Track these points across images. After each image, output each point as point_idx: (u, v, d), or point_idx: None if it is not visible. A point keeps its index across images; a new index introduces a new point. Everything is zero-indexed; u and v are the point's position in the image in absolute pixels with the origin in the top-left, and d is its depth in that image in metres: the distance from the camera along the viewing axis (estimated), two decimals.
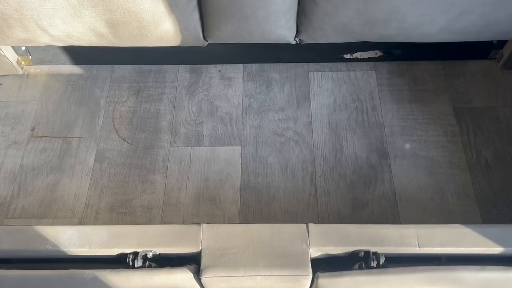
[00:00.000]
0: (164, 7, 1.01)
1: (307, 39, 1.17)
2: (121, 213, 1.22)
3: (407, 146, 1.30)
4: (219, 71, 1.47)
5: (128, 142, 1.33)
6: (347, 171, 1.27)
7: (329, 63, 1.46)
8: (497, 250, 0.78)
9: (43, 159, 1.31)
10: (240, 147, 1.32)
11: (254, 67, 1.46)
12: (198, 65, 1.48)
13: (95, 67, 1.48)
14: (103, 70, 1.48)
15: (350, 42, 1.21)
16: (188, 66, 1.48)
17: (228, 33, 1.08)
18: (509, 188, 1.22)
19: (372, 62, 1.46)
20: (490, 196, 1.21)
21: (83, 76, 1.47)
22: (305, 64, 1.47)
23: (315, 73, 1.45)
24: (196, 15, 1.08)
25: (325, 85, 1.42)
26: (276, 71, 1.46)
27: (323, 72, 1.45)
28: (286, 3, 1.04)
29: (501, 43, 1.40)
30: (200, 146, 1.32)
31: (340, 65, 1.46)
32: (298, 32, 1.16)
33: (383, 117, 1.35)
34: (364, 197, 1.22)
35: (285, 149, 1.31)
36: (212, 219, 1.20)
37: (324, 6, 1.03)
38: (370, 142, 1.31)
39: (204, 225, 0.81)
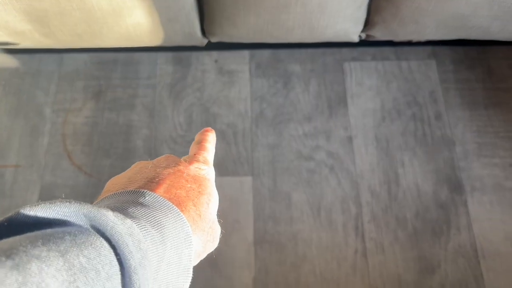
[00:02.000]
0: None
1: (382, 35, 0.74)
2: None
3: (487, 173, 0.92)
4: (216, 61, 1.03)
5: (86, 173, 0.92)
6: (407, 213, 0.88)
7: (371, 48, 1.04)
8: None
9: None
10: (251, 177, 0.92)
11: (264, 54, 1.03)
12: (185, 53, 1.03)
13: (37, 56, 1.03)
14: (48, 61, 1.03)
15: None
16: (170, 53, 1.04)
17: (248, 29, 0.64)
18: None
19: (430, 47, 1.04)
20: None
21: (20, 71, 1.02)
22: (336, 50, 1.04)
23: (351, 64, 1.03)
24: None
25: (367, 81, 1.01)
26: (296, 61, 1.03)
27: (363, 62, 1.03)
28: None
29: None
30: None
31: (387, 50, 1.04)
32: (368, 25, 0.73)
33: (452, 130, 0.96)
34: (434, 254, 0.85)
35: (315, 180, 0.91)
36: None
37: None
38: (437, 168, 0.92)
39: None
